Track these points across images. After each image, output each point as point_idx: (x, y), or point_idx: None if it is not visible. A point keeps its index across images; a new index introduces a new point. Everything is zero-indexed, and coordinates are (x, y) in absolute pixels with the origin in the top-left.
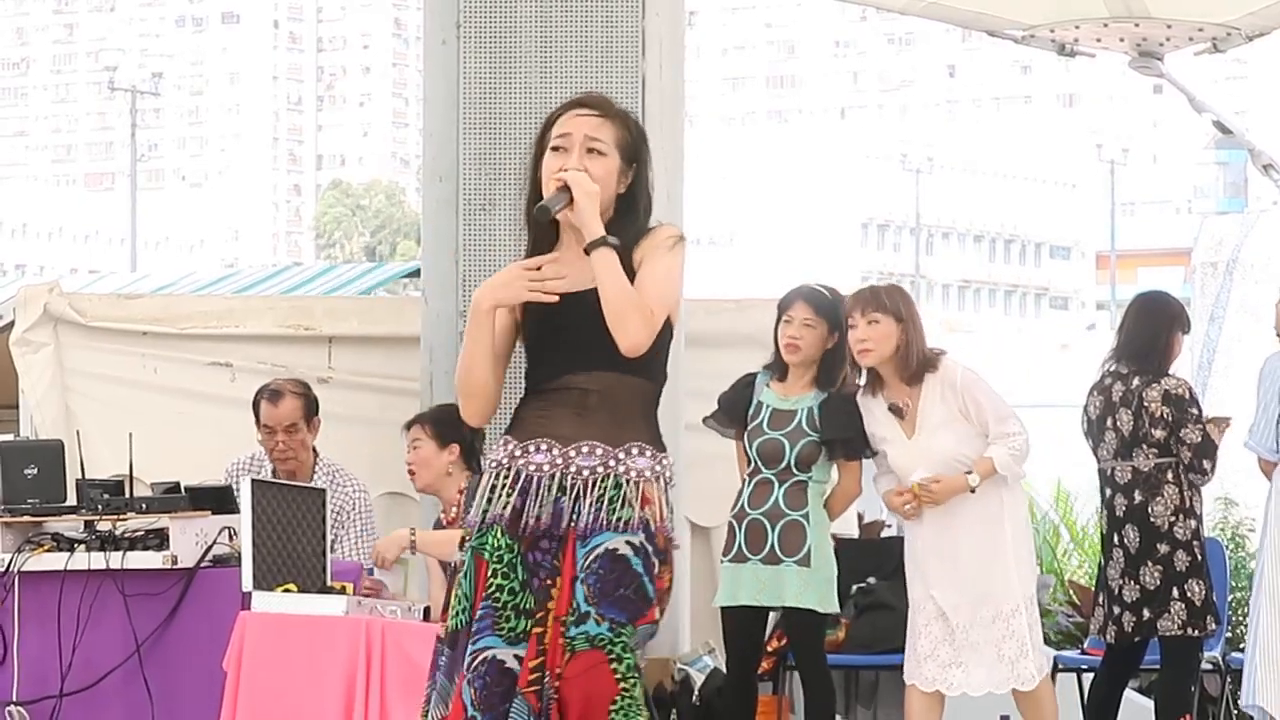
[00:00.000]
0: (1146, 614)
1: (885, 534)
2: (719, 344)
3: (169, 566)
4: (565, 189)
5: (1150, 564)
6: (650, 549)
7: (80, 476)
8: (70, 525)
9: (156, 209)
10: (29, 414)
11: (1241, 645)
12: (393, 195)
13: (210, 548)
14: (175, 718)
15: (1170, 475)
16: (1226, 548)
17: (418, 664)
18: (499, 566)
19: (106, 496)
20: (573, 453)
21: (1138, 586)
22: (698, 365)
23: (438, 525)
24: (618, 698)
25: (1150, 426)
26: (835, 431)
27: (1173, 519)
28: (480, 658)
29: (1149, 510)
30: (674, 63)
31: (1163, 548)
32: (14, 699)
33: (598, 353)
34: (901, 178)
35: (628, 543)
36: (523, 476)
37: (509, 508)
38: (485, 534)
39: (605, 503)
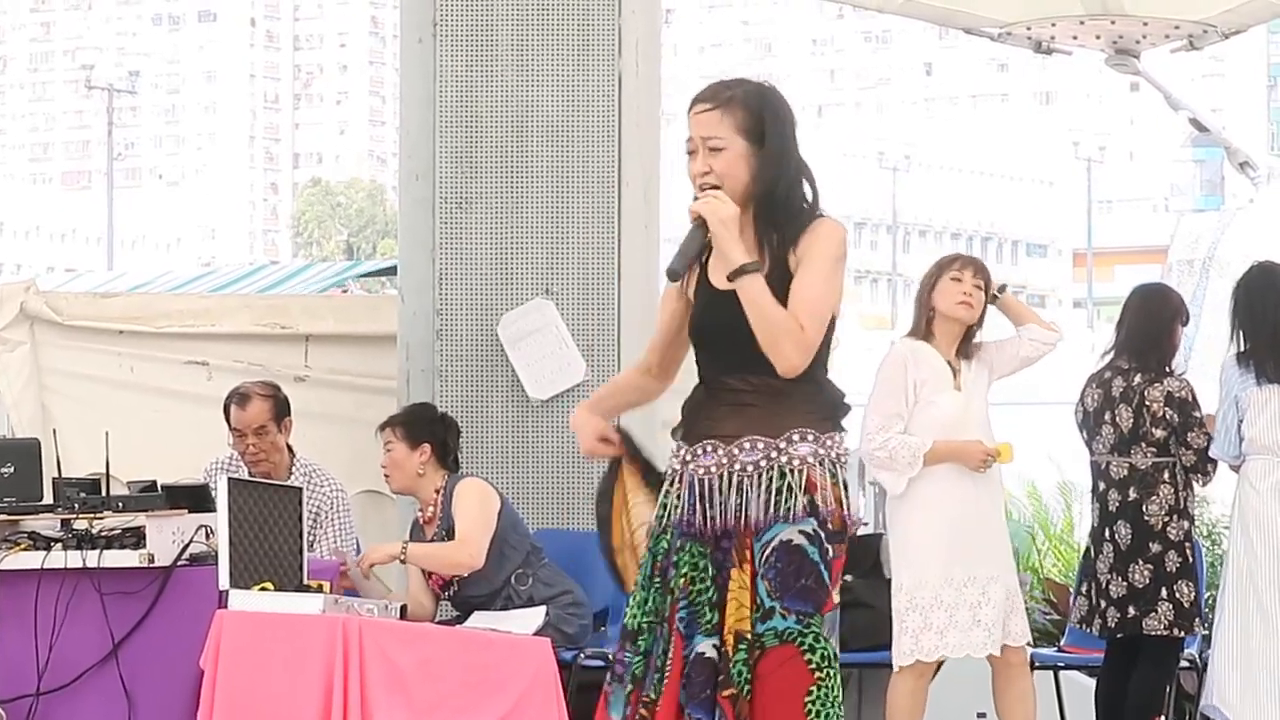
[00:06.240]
0: (1132, 611)
1: (862, 532)
2: None
3: (145, 565)
4: (700, 223)
5: (1141, 562)
6: (823, 534)
7: (57, 475)
8: (47, 524)
9: (133, 208)
10: (5, 413)
11: None
12: (374, 194)
13: (187, 546)
14: (152, 716)
15: (1166, 475)
16: (1203, 546)
17: (395, 662)
18: (694, 572)
19: (83, 495)
20: (736, 450)
21: (1125, 583)
22: None
23: (415, 524)
24: (813, 688)
25: (1151, 426)
26: None
27: (1166, 519)
28: (693, 655)
29: (1143, 508)
30: (651, 61)
31: (1155, 547)
32: None
33: (750, 353)
34: (878, 176)
35: (801, 532)
36: (695, 480)
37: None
38: (662, 538)
39: (773, 494)
